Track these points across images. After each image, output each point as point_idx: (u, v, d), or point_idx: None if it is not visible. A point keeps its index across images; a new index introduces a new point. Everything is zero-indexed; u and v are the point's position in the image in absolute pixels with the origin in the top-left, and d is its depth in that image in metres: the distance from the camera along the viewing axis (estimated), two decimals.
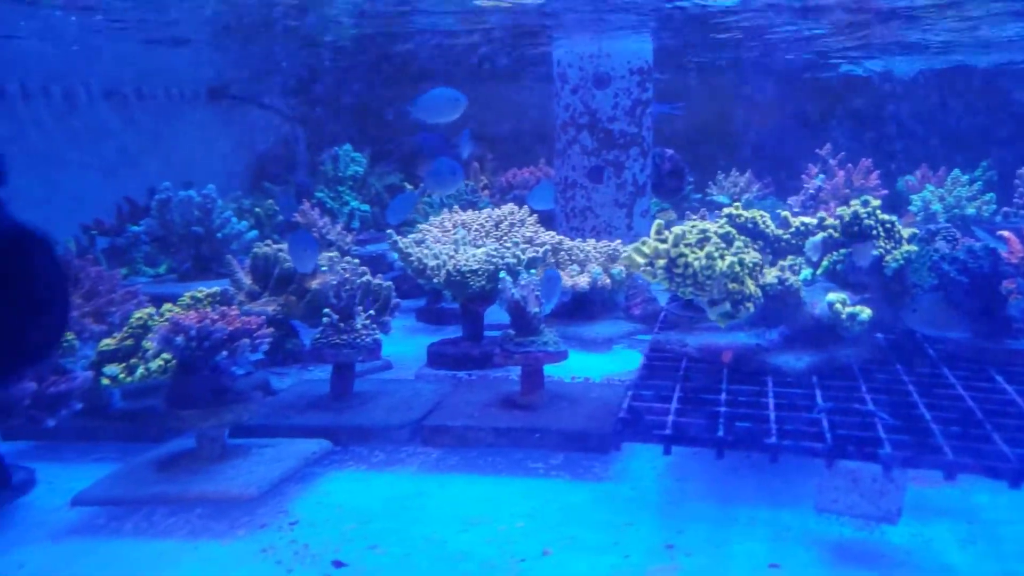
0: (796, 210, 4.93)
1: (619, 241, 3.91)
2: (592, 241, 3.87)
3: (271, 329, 2.41)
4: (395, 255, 3.97)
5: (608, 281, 3.69)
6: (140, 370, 2.59)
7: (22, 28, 4.49)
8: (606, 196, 4.35)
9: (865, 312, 2.50)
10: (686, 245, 2.46)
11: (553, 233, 3.82)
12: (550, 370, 2.80)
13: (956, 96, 7.08)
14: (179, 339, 2.20)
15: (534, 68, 6.47)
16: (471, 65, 6.33)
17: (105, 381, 2.57)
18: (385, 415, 2.68)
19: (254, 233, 4.00)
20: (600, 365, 3.32)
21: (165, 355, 2.56)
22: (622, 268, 3.76)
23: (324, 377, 3.22)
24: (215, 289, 3.06)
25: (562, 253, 3.80)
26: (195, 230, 3.81)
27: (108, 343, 2.63)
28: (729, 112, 7.26)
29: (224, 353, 2.26)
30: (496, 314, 3.62)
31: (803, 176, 5.84)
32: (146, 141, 6.05)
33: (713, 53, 6.31)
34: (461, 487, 2.29)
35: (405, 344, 3.78)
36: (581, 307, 3.79)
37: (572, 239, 3.88)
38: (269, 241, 3.45)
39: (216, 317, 2.28)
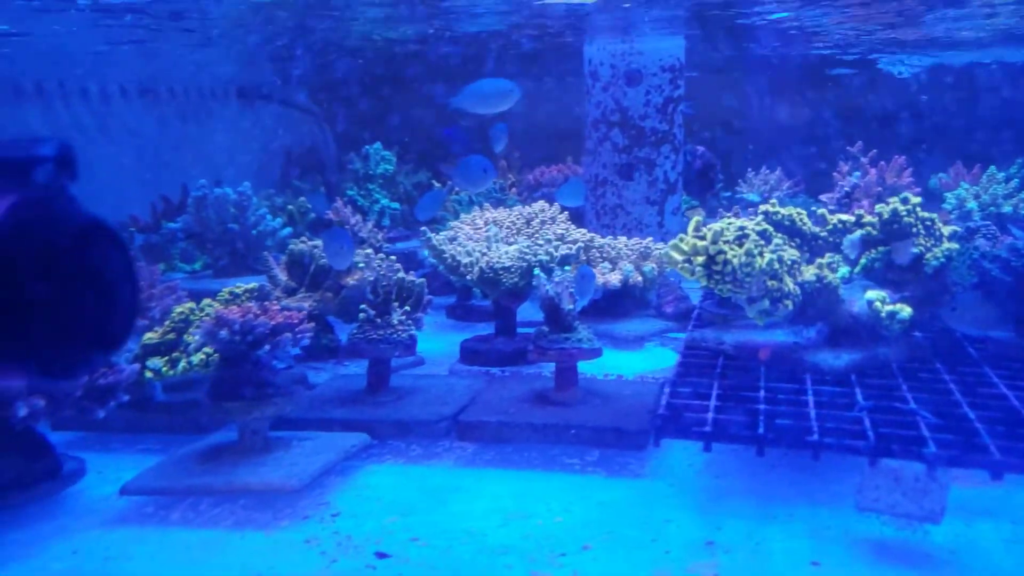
0: (831, 207, 4.88)
1: (650, 239, 3.90)
2: (623, 239, 3.87)
3: (311, 324, 2.44)
4: (426, 252, 4.00)
5: (640, 279, 3.69)
6: (182, 364, 2.64)
7: (59, 27, 4.59)
8: (637, 193, 4.34)
9: (905, 310, 2.48)
10: (724, 242, 2.46)
11: (584, 230, 3.82)
12: (583, 367, 2.81)
13: (988, 92, 6.96)
14: (223, 333, 2.24)
15: (561, 66, 6.47)
16: (497, 62, 6.35)
17: (148, 374, 2.62)
18: (421, 410, 2.71)
19: (288, 230, 4.05)
20: (632, 363, 3.32)
21: (207, 349, 2.61)
22: (654, 266, 3.75)
23: (359, 372, 3.25)
24: (253, 285, 3.10)
25: (593, 251, 3.80)
26: (231, 227, 3.87)
27: (151, 337, 2.69)
28: (755, 109, 7.20)
29: (267, 347, 2.29)
30: (526, 311, 3.64)
31: (834, 174, 5.78)
32: (178, 139, 6.16)
33: (741, 48, 6.27)
34: (498, 482, 2.31)
35: (436, 340, 3.81)
36: (612, 305, 3.79)
37: (603, 236, 3.88)
38: (304, 238, 3.49)
39: (259, 312, 2.31)
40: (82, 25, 4.21)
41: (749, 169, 6.36)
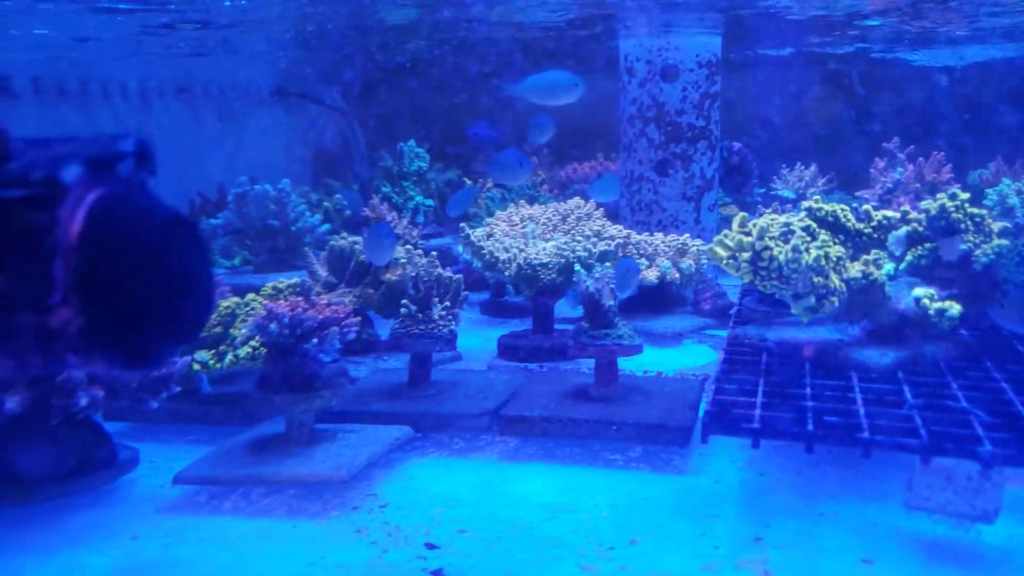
0: (874, 204, 4.81)
1: (687, 235, 3.89)
2: (659, 235, 3.85)
3: (358, 318, 2.48)
4: (460, 249, 4.02)
5: (677, 275, 3.67)
6: (229, 357, 2.69)
7: (99, 28, 4.68)
8: (673, 190, 4.32)
9: (955, 308, 2.44)
10: (770, 238, 2.44)
11: (620, 227, 3.81)
12: (621, 363, 2.81)
13: None
14: (273, 326, 2.27)
15: (592, 62, 6.45)
16: (529, 58, 6.35)
17: (196, 367, 2.68)
18: (463, 404, 2.73)
19: (326, 227, 4.10)
20: (671, 359, 3.31)
21: (253, 343, 2.65)
22: (691, 262, 3.73)
23: (398, 366, 3.29)
24: (295, 280, 3.15)
25: (630, 247, 3.79)
26: (271, 223, 3.93)
27: None
28: (785, 105, 7.12)
29: (314, 341, 2.33)
30: (559, 308, 3.64)
31: (871, 170, 5.70)
32: (212, 137, 6.25)
33: (772, 44, 6.21)
34: (542, 476, 2.32)
35: (471, 336, 3.83)
36: (649, 301, 3.78)
37: (638, 233, 3.87)
38: (344, 234, 3.53)
39: (307, 306, 2.35)
40: (132, 29, 4.29)
41: (783, 165, 6.30)
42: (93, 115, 5.17)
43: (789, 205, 5.76)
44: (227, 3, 4.06)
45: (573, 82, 2.68)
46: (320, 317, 2.34)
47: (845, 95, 7.26)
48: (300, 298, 2.46)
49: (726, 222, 5.38)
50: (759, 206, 4.78)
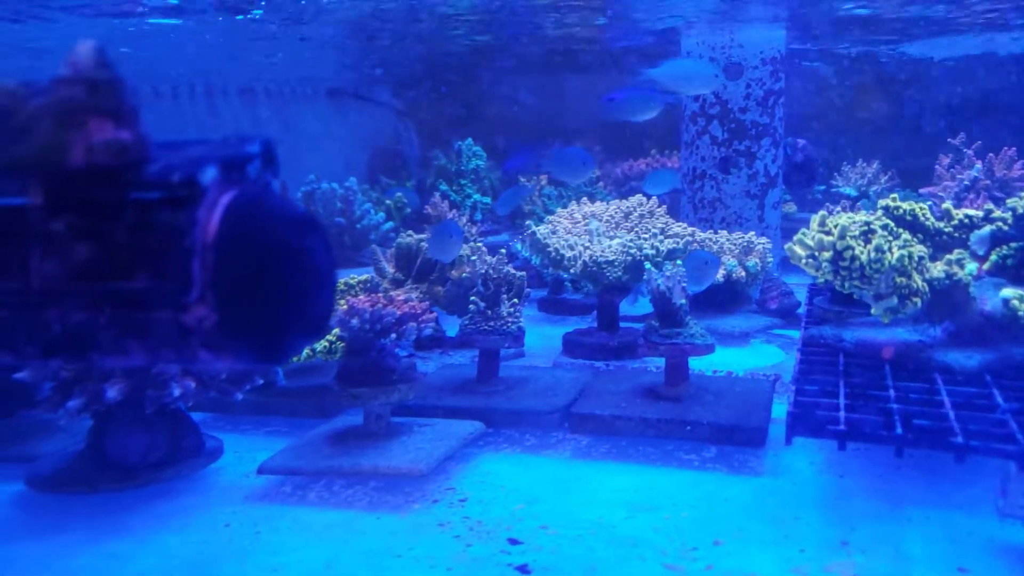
0: (952, 202, 4.68)
1: (752, 233, 3.83)
2: (724, 233, 3.81)
3: (434, 315, 2.51)
4: (518, 246, 4.04)
5: (743, 274, 3.63)
6: (306, 350, 2.75)
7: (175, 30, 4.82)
8: (736, 187, 4.27)
9: None
10: (851, 237, 2.39)
11: (683, 224, 3.78)
12: (689, 362, 2.78)
13: None
14: (354, 321, 2.32)
15: (647, 59, 6.40)
16: (587, 58, 6.33)
17: None
18: (533, 400, 2.75)
19: (390, 224, 4.15)
20: (740, 359, 3.27)
21: (329, 336, 2.71)
22: (757, 260, 3.68)
23: (464, 362, 3.32)
24: (365, 276, 3.20)
25: (694, 245, 3.75)
26: (338, 220, 4.00)
27: None
28: (842, 101, 6.96)
29: (392, 336, 2.37)
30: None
31: (936, 167, 5.54)
32: (271, 136, 6.37)
33: (834, 42, 6.07)
34: (617, 474, 2.32)
35: (531, 333, 3.81)
36: (713, 300, 3.74)
37: (701, 231, 3.83)
38: (410, 232, 3.58)
39: (386, 302, 2.39)
40: (215, 31, 4.41)
41: (844, 162, 6.16)
42: (162, 117, 5.34)
43: (847, 202, 5.65)
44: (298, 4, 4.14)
45: (711, 73, 2.61)
46: (399, 313, 2.37)
47: (897, 90, 7.07)
48: (379, 294, 2.51)
49: (786, 219, 5.29)
50: (828, 204, 4.68)
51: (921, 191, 5.53)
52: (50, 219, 0.61)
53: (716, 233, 3.78)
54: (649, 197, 3.79)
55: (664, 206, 3.87)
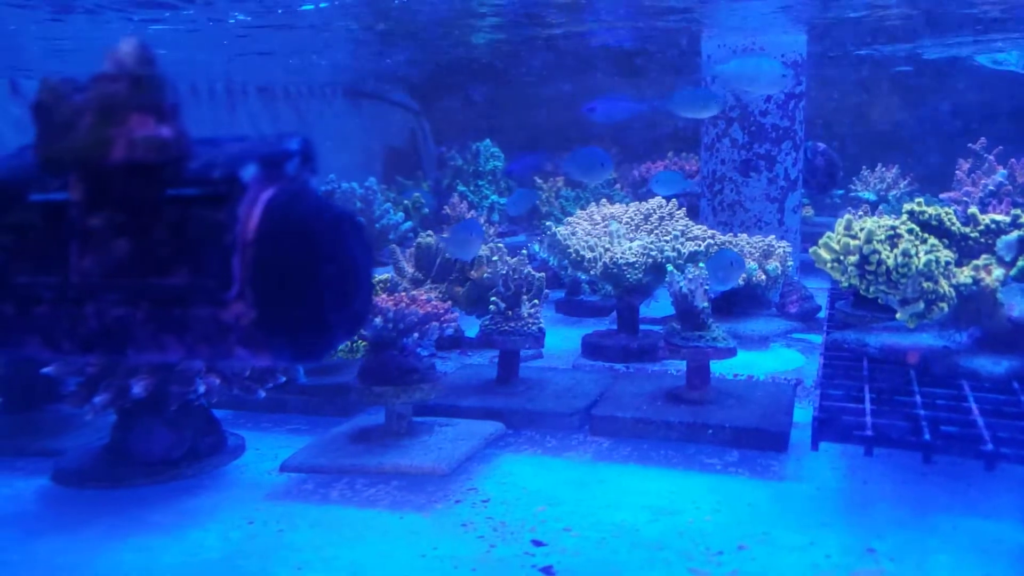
0: (977, 207, 4.64)
1: (772, 236, 3.81)
2: (744, 236, 3.79)
3: (455, 315, 2.51)
4: (536, 247, 4.03)
5: (763, 277, 3.61)
6: None
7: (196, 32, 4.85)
8: (756, 190, 4.25)
9: None
10: (878, 242, 2.38)
11: (704, 227, 3.76)
12: (711, 366, 2.77)
13: None
14: (377, 320, 2.32)
15: (664, 61, 6.38)
16: (602, 61, 6.32)
17: None
18: (554, 402, 2.74)
19: (408, 224, 4.16)
20: (761, 362, 3.26)
21: None
22: (777, 264, 3.66)
23: (483, 362, 3.32)
24: (385, 276, 3.21)
25: (715, 248, 3.73)
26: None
27: None
28: (860, 107, 6.92)
29: (415, 335, 2.37)
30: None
31: (956, 172, 5.49)
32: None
33: (856, 44, 6.03)
34: (639, 477, 2.31)
35: (549, 334, 3.79)
36: (733, 303, 3.72)
37: (721, 234, 3.81)
38: (429, 232, 3.58)
39: (409, 301, 2.39)
40: (238, 34, 4.43)
41: (863, 166, 6.12)
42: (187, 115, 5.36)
43: (866, 206, 5.61)
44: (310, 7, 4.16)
45: (780, 72, 2.56)
46: (421, 312, 2.38)
47: (913, 95, 7.02)
48: (403, 293, 2.51)
49: (804, 223, 5.26)
50: (850, 208, 4.65)
51: (941, 196, 5.49)
52: (91, 214, 0.61)
53: (736, 236, 3.76)
54: (669, 199, 3.78)
55: (683, 208, 3.86)
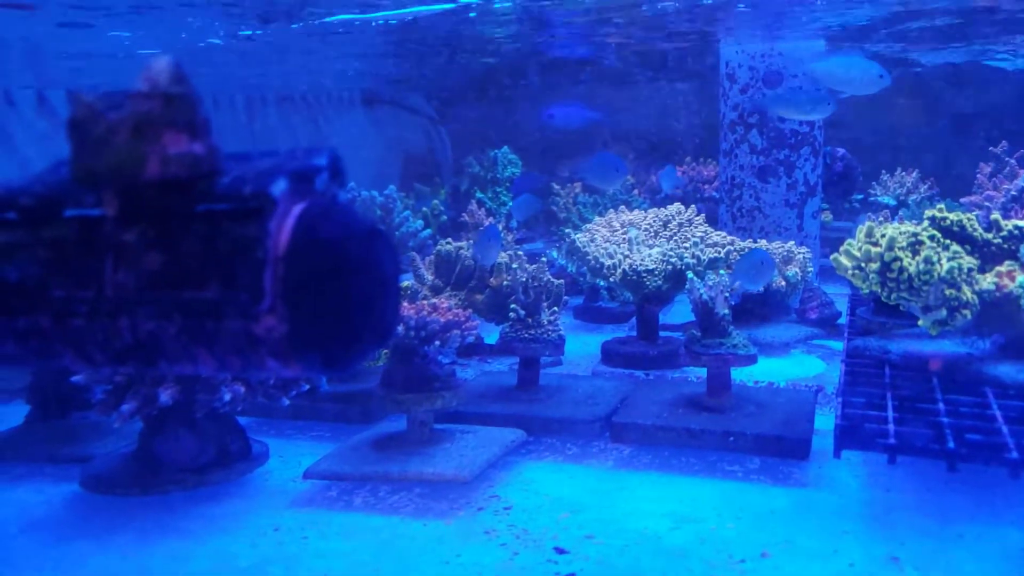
0: (1000, 212, 4.59)
1: (792, 242, 3.80)
2: (763, 242, 3.78)
3: (476, 323, 2.53)
4: (554, 253, 4.05)
5: (783, 283, 3.60)
6: None
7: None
8: (775, 196, 4.24)
9: None
10: (899, 249, 2.37)
11: (723, 233, 3.76)
12: (732, 372, 2.77)
13: None
14: (400, 328, 2.35)
15: (682, 68, 6.38)
16: (617, 66, 6.33)
17: None
18: (573, 409, 2.75)
19: (428, 231, 4.19)
20: (781, 369, 3.25)
21: None
22: (797, 270, 3.65)
23: (502, 369, 3.34)
24: (405, 283, 3.24)
25: (734, 254, 3.73)
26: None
27: None
28: (879, 110, 6.87)
29: (436, 343, 2.39)
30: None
31: (977, 176, 5.44)
32: (309, 143, 6.46)
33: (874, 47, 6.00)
34: (661, 485, 2.32)
35: (568, 341, 3.82)
36: (752, 309, 3.71)
37: (740, 240, 3.81)
38: (449, 240, 3.61)
39: (431, 309, 2.42)
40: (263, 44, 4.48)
41: (883, 171, 6.08)
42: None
43: (886, 211, 5.56)
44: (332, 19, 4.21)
45: (877, 73, 2.46)
46: (443, 320, 2.40)
47: (933, 97, 6.96)
48: (424, 301, 2.53)
49: (822, 228, 5.23)
50: (869, 214, 4.63)
51: (962, 200, 5.44)
52: (125, 229, 0.63)
53: (756, 242, 3.75)
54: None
55: (702, 215, 3.86)
